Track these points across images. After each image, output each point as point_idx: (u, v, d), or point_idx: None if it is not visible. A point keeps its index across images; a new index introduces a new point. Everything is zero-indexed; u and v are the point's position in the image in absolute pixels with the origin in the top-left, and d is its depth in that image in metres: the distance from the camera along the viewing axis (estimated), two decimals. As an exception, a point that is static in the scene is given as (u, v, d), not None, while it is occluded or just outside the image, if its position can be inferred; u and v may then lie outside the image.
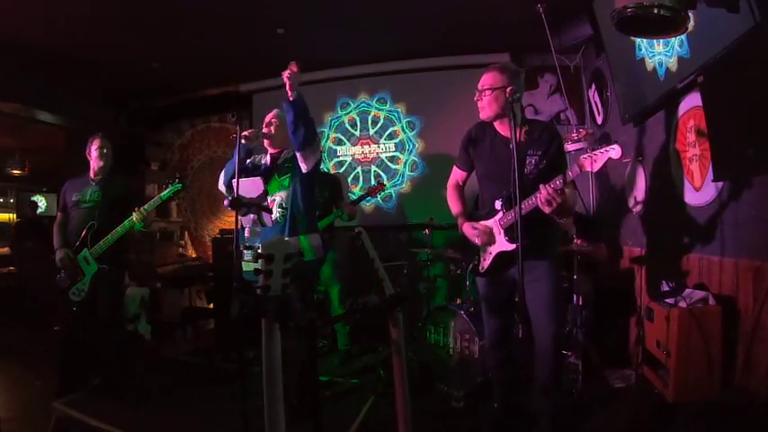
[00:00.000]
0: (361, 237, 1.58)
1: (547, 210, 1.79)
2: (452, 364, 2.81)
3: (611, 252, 3.52)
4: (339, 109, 4.96)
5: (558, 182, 1.77)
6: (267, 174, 2.50)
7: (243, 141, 2.36)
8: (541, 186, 1.78)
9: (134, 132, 5.56)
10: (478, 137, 2.11)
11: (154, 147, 5.68)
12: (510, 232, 1.94)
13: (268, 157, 2.57)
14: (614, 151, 1.69)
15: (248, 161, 2.54)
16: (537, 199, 1.81)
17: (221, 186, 2.54)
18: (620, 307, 3.19)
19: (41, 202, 7.44)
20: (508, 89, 1.88)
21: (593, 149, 1.74)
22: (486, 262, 2.05)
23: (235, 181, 2.18)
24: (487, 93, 1.97)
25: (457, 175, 2.24)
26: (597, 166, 1.73)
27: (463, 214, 2.16)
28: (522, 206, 1.80)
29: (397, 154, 4.77)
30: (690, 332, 2.13)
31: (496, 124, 2.04)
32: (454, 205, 2.22)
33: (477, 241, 2.02)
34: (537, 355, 1.98)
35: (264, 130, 2.49)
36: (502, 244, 1.98)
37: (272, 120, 2.53)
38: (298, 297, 2.19)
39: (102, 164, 2.90)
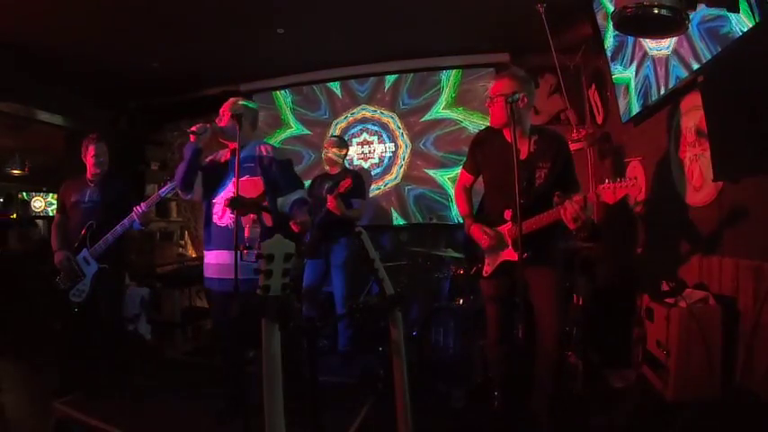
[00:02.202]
0: (362, 237, 1.58)
1: (572, 226, 1.80)
2: (452, 364, 2.81)
3: (611, 252, 3.52)
4: (338, 109, 4.96)
5: (580, 197, 1.78)
6: (224, 171, 2.35)
7: (191, 139, 2.22)
8: (567, 203, 1.78)
9: (134, 132, 5.56)
10: (486, 142, 2.13)
11: (154, 147, 5.68)
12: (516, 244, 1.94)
13: (227, 152, 2.41)
14: (635, 188, 1.73)
15: (207, 161, 2.38)
16: (558, 213, 1.81)
17: (178, 187, 2.37)
18: (620, 307, 3.19)
19: (38, 201, 7.44)
20: (520, 95, 1.87)
21: (616, 182, 1.75)
22: (489, 267, 2.05)
23: (234, 181, 2.17)
24: (499, 99, 1.97)
25: (464, 178, 2.25)
26: (616, 199, 1.76)
27: (471, 215, 2.17)
28: (536, 219, 1.86)
29: (395, 153, 4.77)
30: (690, 332, 2.13)
31: (506, 131, 2.04)
32: (462, 206, 2.24)
33: (484, 244, 2.02)
34: (539, 354, 1.99)
35: (217, 123, 2.32)
36: (510, 254, 1.99)
37: (224, 112, 2.36)
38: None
39: (97, 171, 2.88)
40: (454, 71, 4.59)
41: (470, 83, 4.55)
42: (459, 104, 4.58)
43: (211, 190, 2.37)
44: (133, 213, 2.68)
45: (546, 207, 1.88)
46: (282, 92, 5.11)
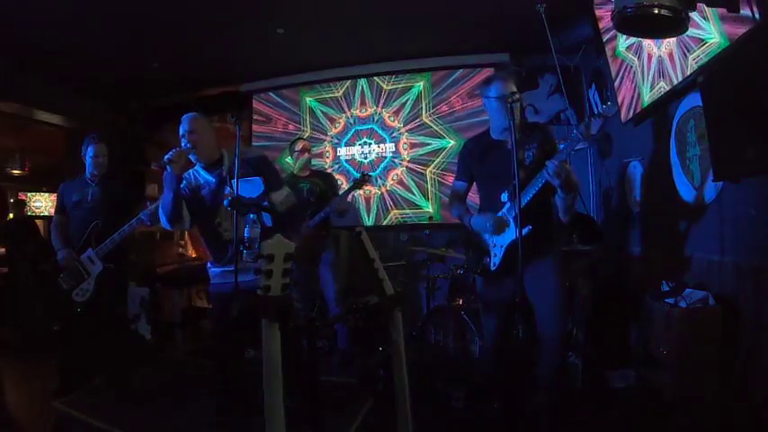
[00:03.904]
0: (362, 237, 1.58)
1: (556, 182, 1.85)
2: (452, 364, 2.81)
3: (611, 252, 3.52)
4: (339, 109, 4.96)
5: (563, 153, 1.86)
6: (218, 192, 2.16)
7: (168, 169, 2.01)
8: (548, 162, 1.85)
9: (134, 132, 5.56)
10: (476, 146, 2.19)
11: (154, 147, 5.68)
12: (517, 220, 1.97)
13: (206, 174, 2.20)
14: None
15: (183, 186, 2.16)
16: (545, 173, 1.86)
17: (165, 225, 2.16)
18: (620, 307, 3.19)
19: (39, 201, 7.43)
20: (520, 95, 1.98)
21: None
22: (497, 258, 2.05)
23: (234, 182, 2.16)
24: (502, 100, 1.98)
25: (457, 188, 2.27)
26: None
27: (469, 212, 2.19)
28: (529, 190, 1.90)
29: (395, 153, 4.78)
30: (690, 332, 2.14)
31: (493, 132, 2.13)
32: (457, 209, 2.25)
33: (491, 230, 2.03)
34: (541, 355, 1.99)
35: (186, 144, 2.11)
36: (513, 232, 1.99)
37: (188, 129, 2.13)
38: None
39: (96, 172, 2.88)
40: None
41: (471, 83, 4.56)
42: (462, 104, 4.59)
43: (210, 210, 2.21)
44: (145, 211, 2.73)
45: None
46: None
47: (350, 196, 3.70)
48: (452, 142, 4.57)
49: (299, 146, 3.54)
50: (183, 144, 2.12)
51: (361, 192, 3.57)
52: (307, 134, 4.94)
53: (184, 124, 2.15)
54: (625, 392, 2.57)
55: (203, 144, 2.15)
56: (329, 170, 4.66)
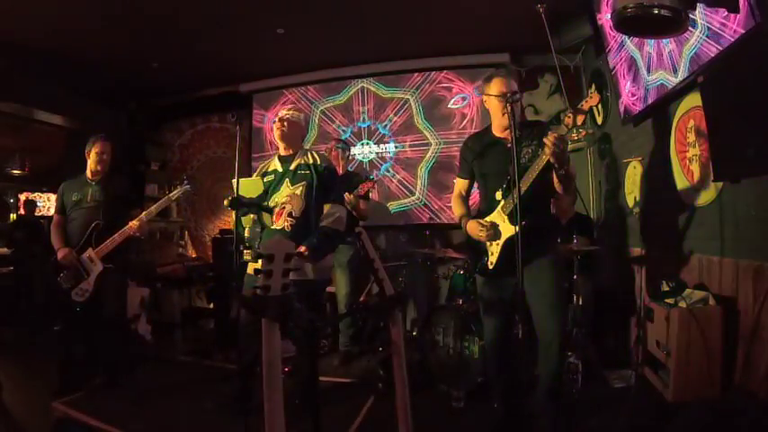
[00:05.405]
0: (362, 237, 1.58)
1: (553, 158, 1.82)
2: (452, 364, 2.81)
3: (611, 252, 3.52)
4: (338, 109, 4.96)
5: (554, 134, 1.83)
6: (278, 182, 2.40)
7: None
8: (545, 141, 1.82)
9: (134, 132, 5.56)
10: (476, 143, 2.20)
11: (154, 147, 5.68)
12: (513, 216, 1.97)
13: (276, 161, 2.48)
14: (594, 99, 1.86)
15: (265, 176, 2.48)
16: (545, 150, 1.84)
17: None
18: (620, 307, 3.19)
19: (39, 201, 7.42)
20: (520, 94, 2.03)
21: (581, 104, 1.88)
22: (494, 257, 2.05)
23: (235, 181, 2.18)
24: (501, 99, 2.02)
25: (459, 185, 2.29)
26: (587, 107, 1.88)
27: (466, 215, 2.19)
28: (523, 182, 1.90)
29: (395, 154, 4.78)
30: (690, 332, 2.14)
31: (494, 129, 2.15)
32: (457, 209, 2.27)
33: (482, 237, 2.03)
34: (541, 355, 1.99)
35: (277, 128, 2.41)
36: (508, 230, 2.00)
37: (282, 118, 2.42)
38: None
39: (98, 168, 2.90)
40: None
41: (471, 83, 4.56)
42: (462, 104, 4.59)
43: (268, 197, 2.44)
44: (143, 215, 2.79)
45: (533, 184, 1.92)
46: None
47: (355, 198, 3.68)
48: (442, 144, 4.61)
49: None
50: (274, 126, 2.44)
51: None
52: (311, 139, 4.93)
53: (281, 113, 2.45)
54: (625, 392, 2.57)
55: (287, 137, 2.41)
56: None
